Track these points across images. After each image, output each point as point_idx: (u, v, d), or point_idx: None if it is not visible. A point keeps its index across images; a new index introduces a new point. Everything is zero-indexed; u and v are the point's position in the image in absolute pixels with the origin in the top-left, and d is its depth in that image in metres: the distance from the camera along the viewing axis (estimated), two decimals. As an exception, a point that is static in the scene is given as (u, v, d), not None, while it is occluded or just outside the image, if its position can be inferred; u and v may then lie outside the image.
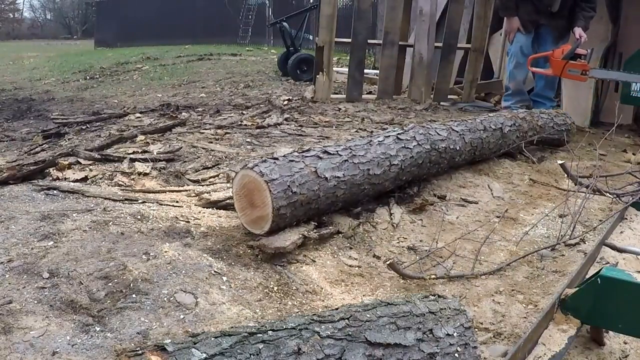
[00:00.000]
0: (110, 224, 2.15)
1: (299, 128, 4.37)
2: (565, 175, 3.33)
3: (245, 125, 4.43)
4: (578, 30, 4.82)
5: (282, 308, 1.84)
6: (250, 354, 1.12)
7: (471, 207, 2.92)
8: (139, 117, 5.04)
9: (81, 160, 3.12)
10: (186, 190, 2.71)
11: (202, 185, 2.85)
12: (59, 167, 2.90)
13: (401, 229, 2.54)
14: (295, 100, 6.10)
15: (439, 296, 1.48)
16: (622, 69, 4.54)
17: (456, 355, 1.36)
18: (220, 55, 13.20)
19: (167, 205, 2.46)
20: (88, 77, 10.82)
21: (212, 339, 1.12)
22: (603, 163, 3.89)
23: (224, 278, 1.90)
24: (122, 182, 2.78)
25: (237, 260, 2.05)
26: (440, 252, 2.34)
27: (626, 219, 2.80)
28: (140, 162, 3.09)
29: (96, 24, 24.39)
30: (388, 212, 2.64)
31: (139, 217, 2.25)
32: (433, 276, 2.13)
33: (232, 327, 1.24)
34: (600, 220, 2.77)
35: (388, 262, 2.11)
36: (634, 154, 4.36)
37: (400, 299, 1.42)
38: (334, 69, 6.74)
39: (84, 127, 4.78)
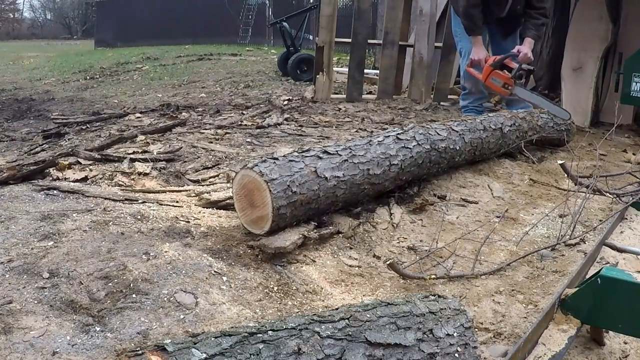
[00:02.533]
0: (110, 224, 2.15)
1: (299, 128, 4.38)
2: (565, 175, 3.33)
3: (245, 125, 4.43)
4: (519, 46, 4.44)
5: (282, 308, 1.84)
6: (250, 354, 1.12)
7: (471, 207, 2.92)
8: (139, 117, 5.04)
9: (81, 160, 3.12)
10: (186, 190, 2.71)
11: (202, 185, 2.85)
12: (59, 167, 2.90)
13: (401, 229, 2.54)
14: (295, 100, 6.10)
15: (439, 296, 1.48)
16: (622, 69, 4.53)
17: (456, 355, 1.36)
18: (220, 55, 13.21)
19: (167, 205, 2.46)
20: (88, 77, 10.82)
21: (212, 339, 1.12)
22: (603, 163, 3.88)
23: (224, 278, 1.90)
24: (122, 182, 2.78)
25: (237, 260, 2.05)
26: (440, 252, 2.34)
27: (626, 219, 2.80)
28: (140, 162, 3.09)
29: (96, 24, 24.41)
30: (388, 212, 2.64)
31: (139, 217, 2.25)
32: (433, 276, 2.13)
33: (232, 327, 1.24)
34: (600, 220, 2.78)
35: (388, 262, 2.11)
36: (634, 154, 4.36)
37: (400, 299, 1.42)
38: (334, 69, 6.74)
39: (84, 127, 4.78)
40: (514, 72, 4.26)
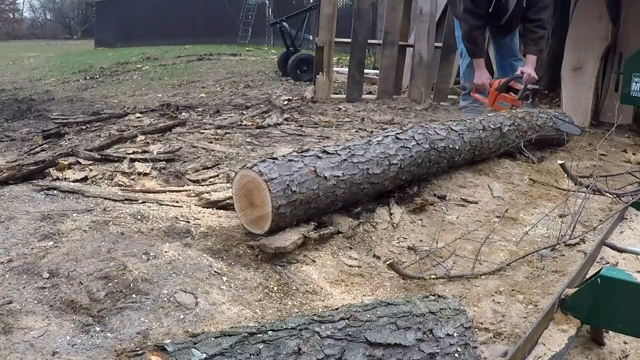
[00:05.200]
0: (110, 224, 2.15)
1: (299, 128, 4.38)
2: (565, 175, 3.33)
3: (245, 125, 4.43)
4: (522, 67, 4.44)
5: (282, 308, 1.84)
6: (250, 354, 1.12)
7: (471, 207, 2.92)
8: (139, 117, 5.04)
9: (81, 160, 3.12)
10: (186, 190, 2.71)
11: (202, 185, 2.85)
12: (59, 167, 2.90)
13: (401, 229, 2.54)
14: (295, 100, 6.10)
15: (439, 296, 1.48)
16: (622, 69, 4.53)
17: (456, 355, 1.36)
18: (220, 55, 13.21)
19: (167, 205, 2.46)
20: (88, 77, 10.82)
21: (212, 339, 1.12)
22: (603, 163, 3.89)
23: (224, 278, 1.90)
24: (122, 182, 2.79)
25: (237, 260, 2.05)
26: (440, 252, 2.34)
27: (626, 219, 2.80)
28: (140, 162, 3.09)
29: (96, 24, 24.40)
30: (388, 212, 2.64)
31: (139, 217, 2.25)
32: (433, 276, 2.13)
33: (232, 327, 1.24)
34: (600, 220, 2.77)
35: (388, 262, 2.11)
36: (634, 154, 4.36)
37: (400, 299, 1.42)
38: (334, 69, 6.74)
39: (84, 127, 4.77)
40: (520, 93, 4.30)
